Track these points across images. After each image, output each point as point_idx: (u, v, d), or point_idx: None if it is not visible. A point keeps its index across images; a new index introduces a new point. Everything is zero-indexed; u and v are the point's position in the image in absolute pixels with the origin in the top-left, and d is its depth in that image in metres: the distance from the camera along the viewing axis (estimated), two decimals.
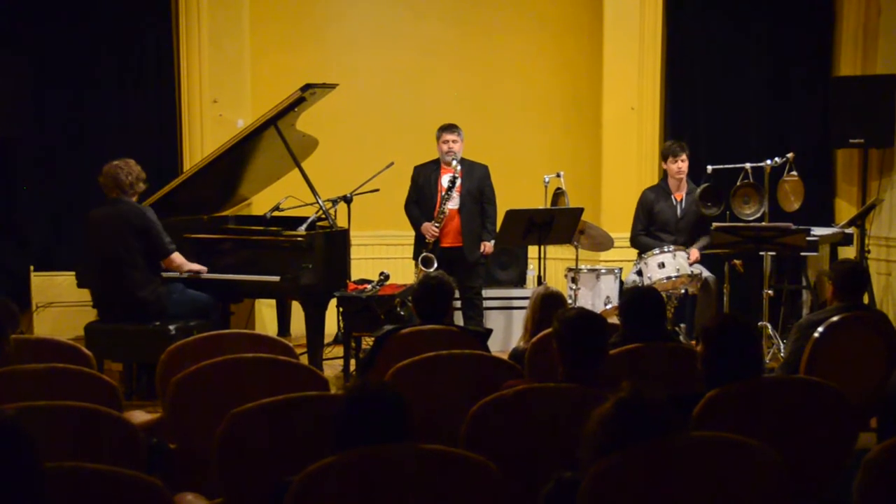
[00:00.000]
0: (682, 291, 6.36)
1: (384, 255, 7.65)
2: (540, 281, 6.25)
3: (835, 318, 4.15)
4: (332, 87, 6.39)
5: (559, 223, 6.05)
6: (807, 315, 5.84)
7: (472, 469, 2.38)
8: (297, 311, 6.34)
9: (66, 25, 7.04)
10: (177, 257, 5.74)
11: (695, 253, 6.49)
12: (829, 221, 7.33)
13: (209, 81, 7.19)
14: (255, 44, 7.39)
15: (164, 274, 5.77)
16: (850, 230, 6.92)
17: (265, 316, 7.38)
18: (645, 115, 7.50)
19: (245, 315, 7.02)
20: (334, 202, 6.53)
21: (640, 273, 6.39)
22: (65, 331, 6.31)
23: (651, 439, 2.29)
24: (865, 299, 5.66)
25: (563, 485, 2.35)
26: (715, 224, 6.11)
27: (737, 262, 6.40)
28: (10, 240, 7.03)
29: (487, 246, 6.75)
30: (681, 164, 6.71)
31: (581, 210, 6.20)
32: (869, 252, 6.76)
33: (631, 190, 7.15)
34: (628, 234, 6.88)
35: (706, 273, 6.53)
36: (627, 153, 7.52)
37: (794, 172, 6.51)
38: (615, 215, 7.35)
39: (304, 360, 5.24)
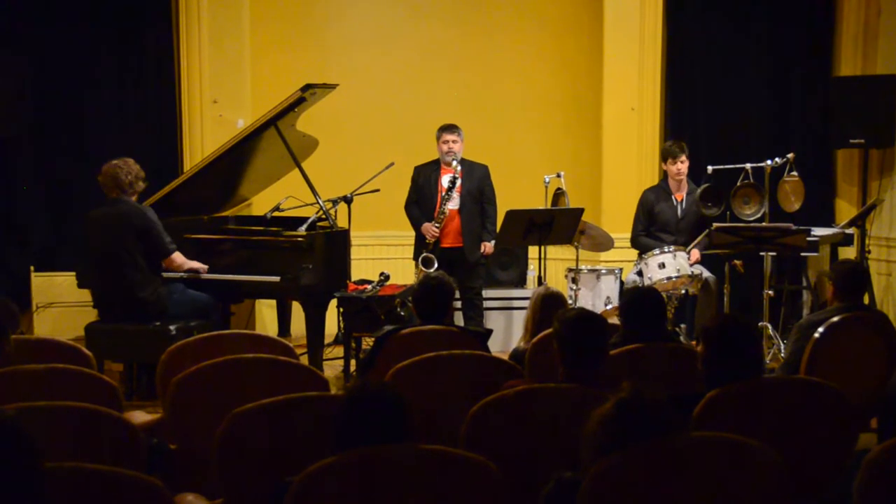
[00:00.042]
0: (683, 292, 6.36)
1: (384, 255, 7.65)
2: (540, 281, 6.24)
3: (835, 319, 4.15)
4: (333, 87, 6.39)
5: (559, 223, 6.04)
6: (807, 315, 5.84)
7: (473, 469, 2.38)
8: (297, 312, 6.34)
9: (66, 25, 7.04)
10: (177, 257, 5.74)
11: (695, 253, 6.49)
12: (829, 222, 7.33)
13: (209, 81, 7.19)
14: (255, 44, 7.39)
15: (165, 274, 5.77)
16: (850, 230, 6.92)
17: (265, 316, 7.38)
18: (645, 115, 7.50)
19: (245, 315, 7.02)
20: (334, 202, 6.53)
21: (640, 273, 6.38)
22: (65, 331, 6.31)
23: (651, 439, 2.29)
24: (866, 300, 5.66)
25: (563, 485, 2.35)
26: (715, 224, 6.10)
27: (737, 262, 6.40)
28: (11, 240, 7.03)
29: (488, 246, 6.75)
30: (680, 166, 6.70)
31: (581, 210, 6.20)
32: (869, 252, 6.76)
33: (631, 190, 7.15)
34: (628, 235, 6.88)
35: (706, 273, 6.52)
36: (628, 153, 7.52)
37: (795, 173, 6.51)
38: (615, 216, 7.35)
39: (305, 360, 5.24)
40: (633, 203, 6.92)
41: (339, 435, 2.40)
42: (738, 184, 6.50)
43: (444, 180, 6.64)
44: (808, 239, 6.26)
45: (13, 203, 7.10)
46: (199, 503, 3.00)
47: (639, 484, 2.30)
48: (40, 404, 2.80)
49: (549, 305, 4.21)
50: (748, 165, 6.46)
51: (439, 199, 6.64)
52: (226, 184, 6.68)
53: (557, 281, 7.40)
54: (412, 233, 6.83)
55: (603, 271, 6.89)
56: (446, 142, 6.66)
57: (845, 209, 7.45)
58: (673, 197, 6.79)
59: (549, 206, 6.50)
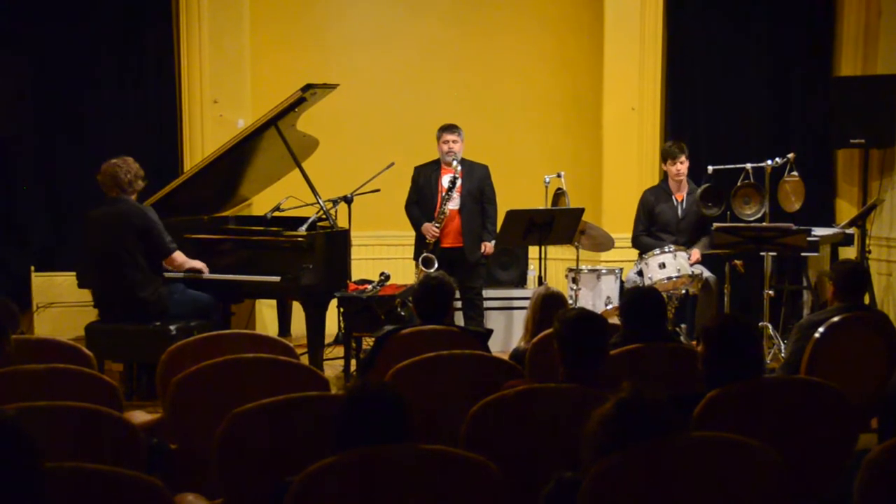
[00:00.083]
0: (683, 292, 6.36)
1: (385, 255, 7.65)
2: (540, 281, 6.24)
3: (835, 319, 4.15)
4: (333, 87, 6.38)
5: (560, 223, 6.04)
6: (807, 315, 5.84)
7: (473, 469, 2.38)
8: (297, 312, 6.34)
9: (66, 25, 7.03)
10: (178, 256, 5.73)
11: (696, 253, 6.49)
12: (829, 222, 7.32)
13: (209, 81, 7.19)
14: (256, 44, 7.39)
15: (166, 274, 5.77)
16: (850, 230, 6.92)
17: (266, 316, 7.38)
18: (645, 115, 7.50)
19: (246, 315, 7.01)
20: (335, 202, 6.53)
21: (640, 273, 6.38)
22: (65, 331, 6.30)
23: (652, 440, 2.29)
24: (866, 300, 5.66)
25: (563, 485, 2.35)
26: (716, 224, 6.10)
27: (737, 262, 6.40)
28: (11, 240, 7.03)
29: (488, 246, 6.75)
30: (680, 167, 6.70)
31: (582, 210, 6.20)
32: (870, 252, 6.76)
33: (632, 190, 7.15)
34: (629, 235, 6.89)
35: (707, 273, 6.52)
36: (628, 153, 7.51)
37: (795, 173, 6.51)
38: (616, 216, 7.35)
39: (305, 360, 5.24)
40: (633, 203, 6.92)
41: (339, 435, 2.40)
42: (739, 184, 6.50)
43: (445, 180, 6.64)
44: (809, 239, 6.25)
45: (13, 203, 7.10)
46: (199, 503, 3.00)
47: (639, 484, 2.30)
48: (40, 404, 2.80)
49: (549, 305, 4.21)
50: (748, 165, 6.45)
51: (439, 199, 6.64)
52: (226, 184, 6.67)
53: (558, 281, 7.40)
54: (412, 233, 6.83)
55: (603, 271, 6.89)
56: (446, 142, 6.66)
57: (846, 209, 7.45)
58: (673, 197, 6.79)
59: (549, 206, 6.50)
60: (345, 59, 7.72)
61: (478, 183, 6.75)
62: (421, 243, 6.70)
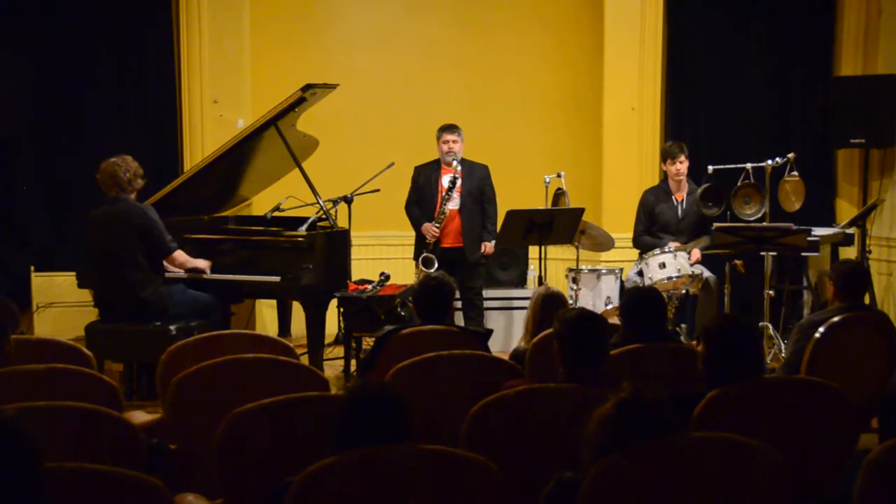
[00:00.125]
0: (683, 292, 6.35)
1: (385, 255, 7.65)
2: (541, 281, 6.24)
3: (836, 319, 4.15)
4: (333, 87, 6.38)
5: (560, 223, 6.04)
6: (808, 315, 5.83)
7: (473, 469, 2.38)
8: (297, 312, 6.34)
9: (66, 25, 7.03)
10: (179, 255, 5.73)
11: (696, 253, 6.48)
12: (829, 222, 7.32)
13: (209, 81, 7.18)
14: (255, 44, 7.38)
15: (167, 274, 5.77)
16: (851, 230, 6.91)
17: (266, 316, 7.38)
18: (646, 115, 7.50)
19: (245, 315, 7.01)
20: (335, 202, 6.52)
21: (640, 273, 6.38)
22: (65, 331, 6.30)
23: (652, 440, 2.28)
24: (866, 300, 5.66)
25: (563, 485, 2.35)
26: (716, 224, 6.10)
27: (738, 262, 6.40)
28: (11, 240, 7.03)
29: (488, 246, 6.75)
30: (679, 166, 6.70)
31: (582, 210, 6.20)
32: (870, 252, 6.76)
33: (632, 190, 7.15)
34: (629, 235, 6.89)
35: (707, 273, 6.52)
36: (628, 153, 7.51)
37: (795, 172, 6.51)
38: (616, 215, 7.34)
39: (305, 360, 5.24)
40: (633, 203, 6.92)
41: (339, 435, 2.40)
42: (739, 184, 6.50)
43: (445, 180, 6.64)
44: (809, 239, 6.25)
45: (13, 203, 7.10)
46: (199, 503, 3.00)
47: (639, 484, 2.29)
48: (40, 404, 2.80)
49: (549, 305, 4.21)
50: (749, 165, 6.45)
51: (439, 199, 6.64)
52: (226, 184, 6.67)
53: (558, 281, 7.40)
54: (412, 233, 6.83)
55: (603, 271, 6.89)
56: (446, 142, 6.66)
57: (846, 209, 7.44)
58: (673, 197, 6.78)
59: (549, 206, 6.50)
60: (345, 59, 7.72)
61: (478, 183, 6.74)
62: (421, 243, 6.69)
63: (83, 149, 7.02)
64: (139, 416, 3.76)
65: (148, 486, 2.31)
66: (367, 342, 5.81)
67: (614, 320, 4.13)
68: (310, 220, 6.17)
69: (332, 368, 6.31)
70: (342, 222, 6.52)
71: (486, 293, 6.96)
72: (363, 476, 2.32)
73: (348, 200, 6.63)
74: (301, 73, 6.98)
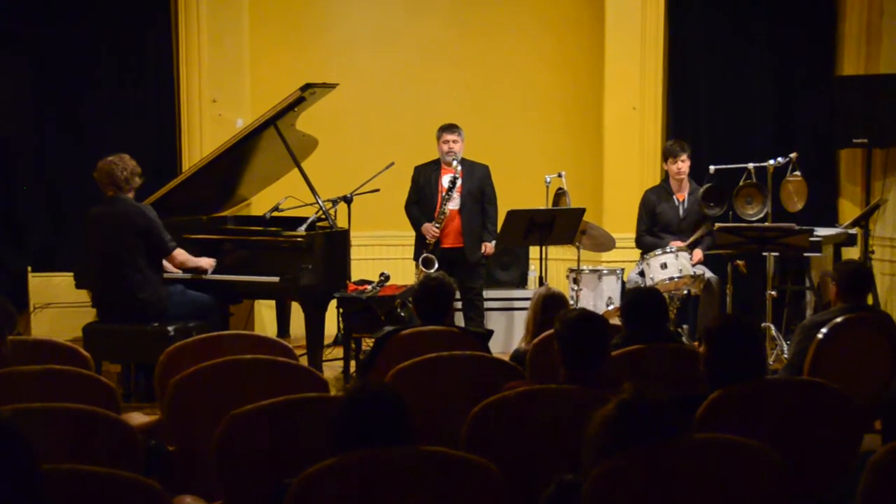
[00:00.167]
0: (685, 292, 6.34)
1: (384, 255, 7.64)
2: (541, 282, 6.22)
3: (839, 319, 4.14)
4: (332, 86, 6.37)
5: (560, 223, 6.03)
6: (810, 316, 5.82)
7: (473, 471, 2.37)
8: (296, 312, 6.32)
9: (66, 25, 7.03)
10: (179, 254, 5.71)
11: (697, 253, 6.47)
12: (832, 222, 7.30)
13: (209, 81, 7.18)
14: (255, 44, 7.37)
15: (167, 274, 5.75)
16: (853, 230, 6.89)
17: (265, 317, 7.36)
18: (647, 114, 7.48)
19: (244, 316, 7.00)
20: (334, 202, 6.51)
21: (642, 274, 6.36)
22: (63, 332, 6.28)
23: (653, 441, 2.27)
24: (869, 300, 5.64)
25: (564, 487, 2.33)
26: (718, 224, 6.08)
27: (740, 262, 6.38)
28: (8, 240, 7.01)
29: (488, 246, 6.73)
30: (681, 165, 6.68)
31: (582, 210, 6.18)
32: (873, 252, 6.75)
33: (633, 190, 7.13)
34: (630, 235, 6.87)
35: (709, 274, 6.50)
36: (629, 153, 7.50)
37: (798, 172, 6.50)
38: (617, 216, 7.33)
39: (304, 361, 5.22)
40: (634, 203, 6.90)
41: (338, 436, 2.38)
42: (741, 183, 6.49)
43: (445, 180, 6.63)
44: (811, 239, 6.24)
45: (13, 203, 7.10)
46: None
47: (641, 486, 2.28)
48: (37, 406, 2.79)
49: (550, 306, 4.19)
50: (751, 165, 6.44)
51: (440, 200, 6.63)
52: (225, 184, 6.66)
53: (559, 281, 7.38)
54: (412, 233, 6.81)
55: (604, 272, 6.88)
56: (447, 142, 6.65)
57: (848, 209, 7.43)
58: (674, 197, 6.77)
59: (550, 206, 6.48)
60: (345, 59, 7.71)
61: (478, 183, 6.73)
62: (421, 243, 6.68)
63: (83, 149, 7.00)
64: (137, 418, 3.74)
65: (146, 488, 2.30)
66: (367, 343, 5.79)
67: (615, 321, 4.12)
68: (309, 220, 6.16)
69: (332, 369, 6.30)
70: (342, 222, 6.50)
71: (487, 294, 6.95)
72: (363, 478, 2.31)
73: (348, 200, 6.61)
74: (300, 72, 6.96)
